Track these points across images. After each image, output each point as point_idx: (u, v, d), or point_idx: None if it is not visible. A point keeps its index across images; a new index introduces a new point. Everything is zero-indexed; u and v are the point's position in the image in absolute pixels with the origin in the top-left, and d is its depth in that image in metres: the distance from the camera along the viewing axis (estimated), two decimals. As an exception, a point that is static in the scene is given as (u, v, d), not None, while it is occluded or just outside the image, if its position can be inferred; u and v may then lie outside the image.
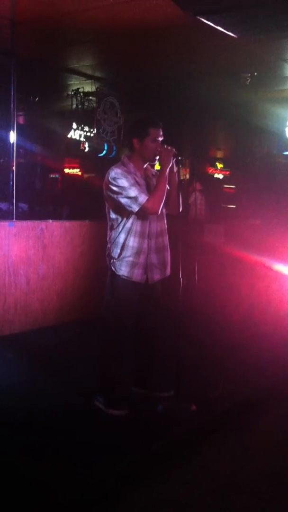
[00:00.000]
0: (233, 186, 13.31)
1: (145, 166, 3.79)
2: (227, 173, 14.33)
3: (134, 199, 3.57)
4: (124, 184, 3.59)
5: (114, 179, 3.61)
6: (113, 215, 3.72)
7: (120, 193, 3.59)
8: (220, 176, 14.36)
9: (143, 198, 3.57)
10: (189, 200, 8.02)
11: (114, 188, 3.61)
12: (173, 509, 2.82)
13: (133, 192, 3.58)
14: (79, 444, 3.26)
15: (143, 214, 3.65)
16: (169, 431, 3.47)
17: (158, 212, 3.66)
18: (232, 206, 10.57)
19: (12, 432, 3.41)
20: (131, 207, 3.59)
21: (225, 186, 13.56)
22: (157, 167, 3.90)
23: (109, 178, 3.64)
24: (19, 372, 4.56)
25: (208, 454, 3.37)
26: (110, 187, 3.63)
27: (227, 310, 5.89)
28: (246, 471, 3.21)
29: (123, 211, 3.66)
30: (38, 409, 3.78)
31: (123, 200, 3.60)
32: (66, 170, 13.20)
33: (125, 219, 3.68)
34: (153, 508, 2.82)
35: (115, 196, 3.62)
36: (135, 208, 3.58)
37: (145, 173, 3.80)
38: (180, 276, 3.72)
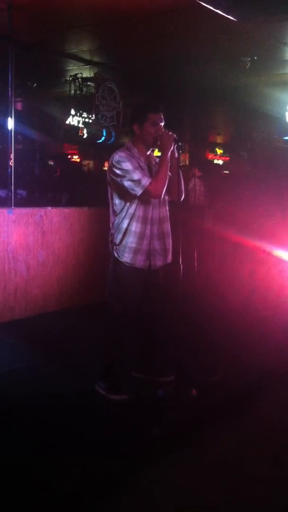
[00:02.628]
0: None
1: (148, 153, 3.77)
2: (227, 159, 14.26)
3: (138, 182, 3.56)
4: (128, 167, 3.58)
5: (118, 162, 3.60)
6: (116, 200, 3.71)
7: (124, 176, 3.58)
8: (220, 162, 14.30)
9: (146, 181, 3.56)
10: (188, 187, 7.98)
11: (118, 172, 3.60)
12: (174, 494, 2.83)
13: (136, 175, 3.57)
14: (80, 430, 3.25)
15: (146, 199, 3.64)
16: (170, 417, 3.47)
17: (161, 196, 3.65)
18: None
19: (10, 420, 3.41)
20: (134, 190, 3.58)
21: (225, 172, 13.49)
22: (156, 153, 3.88)
23: (113, 161, 3.63)
24: (19, 357, 4.56)
25: (209, 439, 3.37)
26: (113, 171, 3.62)
27: (228, 295, 5.89)
28: (247, 455, 3.22)
29: (127, 196, 3.65)
30: (38, 396, 3.77)
31: (127, 183, 3.59)
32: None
33: (128, 204, 3.66)
34: (155, 493, 2.83)
35: (118, 179, 3.61)
36: (139, 191, 3.57)
37: (148, 160, 3.79)
38: (180, 262, 3.71)
